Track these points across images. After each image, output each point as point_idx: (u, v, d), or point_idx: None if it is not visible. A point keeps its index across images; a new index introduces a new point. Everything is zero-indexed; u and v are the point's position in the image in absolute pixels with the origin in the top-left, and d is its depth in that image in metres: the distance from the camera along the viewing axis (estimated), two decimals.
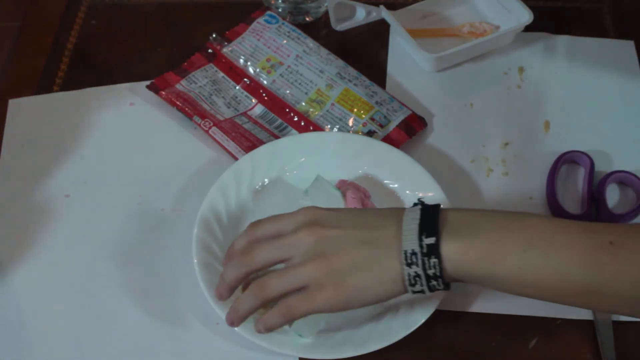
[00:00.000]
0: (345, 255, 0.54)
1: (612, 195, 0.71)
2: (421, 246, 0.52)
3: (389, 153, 0.71)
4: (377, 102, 0.75)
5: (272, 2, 0.85)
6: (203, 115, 0.74)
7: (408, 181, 0.70)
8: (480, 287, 0.65)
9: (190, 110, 0.75)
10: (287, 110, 0.76)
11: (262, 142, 0.73)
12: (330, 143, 0.72)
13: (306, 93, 0.76)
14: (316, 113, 0.75)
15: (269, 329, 0.56)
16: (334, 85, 0.76)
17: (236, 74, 0.79)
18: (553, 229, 0.53)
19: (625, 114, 0.78)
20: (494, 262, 0.52)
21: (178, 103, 0.75)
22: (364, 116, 0.74)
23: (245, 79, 0.79)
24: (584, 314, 0.64)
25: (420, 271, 0.53)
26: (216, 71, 0.80)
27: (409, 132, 0.74)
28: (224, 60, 0.80)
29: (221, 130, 0.73)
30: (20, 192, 0.71)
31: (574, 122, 0.77)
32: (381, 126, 0.74)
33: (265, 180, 0.71)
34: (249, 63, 0.79)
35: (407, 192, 0.70)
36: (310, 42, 0.80)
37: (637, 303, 0.52)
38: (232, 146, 0.73)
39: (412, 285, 0.54)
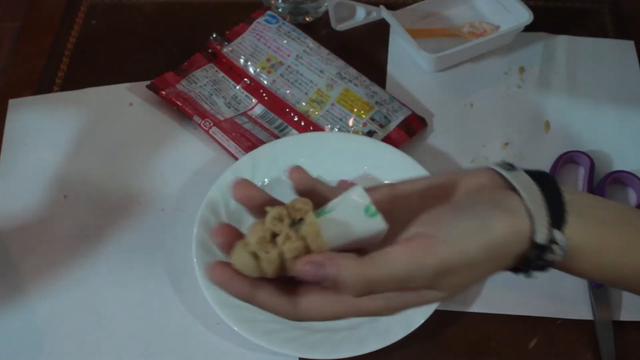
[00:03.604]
0: None
1: (612, 195, 0.71)
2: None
3: (389, 153, 0.71)
4: (377, 102, 0.75)
5: (272, 2, 0.85)
6: (203, 115, 0.74)
7: None
8: (479, 287, 0.65)
9: (190, 110, 0.75)
10: (287, 110, 0.76)
11: (262, 142, 0.73)
12: (330, 143, 0.72)
13: (306, 93, 0.76)
14: (316, 113, 0.75)
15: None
16: (334, 85, 0.76)
17: (236, 74, 0.79)
18: None
19: (625, 114, 0.78)
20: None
21: (178, 103, 0.75)
22: (364, 116, 0.74)
23: (245, 79, 0.79)
24: (584, 314, 0.64)
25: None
26: (216, 71, 0.80)
27: (409, 132, 0.74)
28: (224, 60, 0.80)
29: (221, 130, 0.73)
30: (20, 192, 0.71)
31: (574, 122, 0.77)
32: (381, 126, 0.74)
33: (265, 180, 0.71)
34: (249, 63, 0.79)
35: None
36: (311, 42, 0.80)
37: None
38: (232, 146, 0.73)
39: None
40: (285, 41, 0.79)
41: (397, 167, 0.70)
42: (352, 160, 0.71)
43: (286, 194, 0.70)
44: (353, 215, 0.40)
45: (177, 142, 0.75)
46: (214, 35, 0.81)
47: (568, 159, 0.73)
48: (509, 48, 0.82)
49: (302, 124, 0.75)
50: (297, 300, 0.41)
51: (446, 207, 0.43)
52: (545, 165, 0.72)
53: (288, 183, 0.75)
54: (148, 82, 0.78)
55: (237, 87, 0.79)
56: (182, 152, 0.74)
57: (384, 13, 0.82)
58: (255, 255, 0.40)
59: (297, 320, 0.42)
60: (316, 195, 0.43)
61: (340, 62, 0.79)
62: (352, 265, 0.39)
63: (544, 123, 0.77)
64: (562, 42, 0.83)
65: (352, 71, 0.78)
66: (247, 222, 0.68)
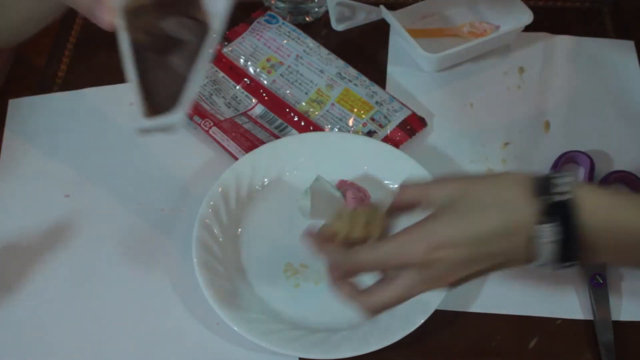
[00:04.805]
0: None
1: None
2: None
3: (389, 153, 0.71)
4: (377, 102, 0.75)
5: (272, 2, 0.85)
6: (203, 115, 0.74)
7: None
8: (479, 287, 0.65)
9: (190, 110, 0.75)
10: (287, 110, 0.76)
11: (262, 142, 0.73)
12: (330, 143, 0.72)
13: (306, 93, 0.76)
14: (316, 113, 0.75)
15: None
16: (334, 85, 0.76)
17: (236, 73, 0.79)
18: None
19: (625, 114, 0.78)
20: None
21: None
22: (364, 116, 0.74)
23: (245, 79, 0.79)
24: (584, 314, 0.64)
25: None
26: (216, 71, 0.80)
27: (409, 132, 0.74)
28: (224, 60, 0.80)
29: (221, 130, 0.73)
30: (20, 192, 0.71)
31: (574, 122, 0.77)
32: (381, 126, 0.74)
33: (265, 180, 0.71)
34: (249, 63, 0.79)
35: None
36: (310, 42, 0.80)
37: None
38: (232, 146, 0.73)
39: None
40: (285, 41, 0.79)
41: (397, 167, 0.70)
42: (352, 160, 0.71)
43: (286, 194, 0.71)
44: None
45: (177, 142, 0.75)
46: None
47: (568, 159, 0.73)
48: (509, 48, 0.82)
49: (302, 124, 0.75)
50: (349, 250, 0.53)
51: None
52: (545, 166, 0.72)
53: (288, 183, 0.75)
54: None
55: (237, 87, 0.78)
56: (182, 152, 0.74)
57: (384, 13, 0.82)
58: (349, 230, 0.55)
59: (345, 261, 0.52)
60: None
61: (340, 62, 0.79)
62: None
63: (544, 123, 0.77)
64: (562, 42, 0.83)
65: (352, 71, 0.78)
66: (246, 222, 0.68)
